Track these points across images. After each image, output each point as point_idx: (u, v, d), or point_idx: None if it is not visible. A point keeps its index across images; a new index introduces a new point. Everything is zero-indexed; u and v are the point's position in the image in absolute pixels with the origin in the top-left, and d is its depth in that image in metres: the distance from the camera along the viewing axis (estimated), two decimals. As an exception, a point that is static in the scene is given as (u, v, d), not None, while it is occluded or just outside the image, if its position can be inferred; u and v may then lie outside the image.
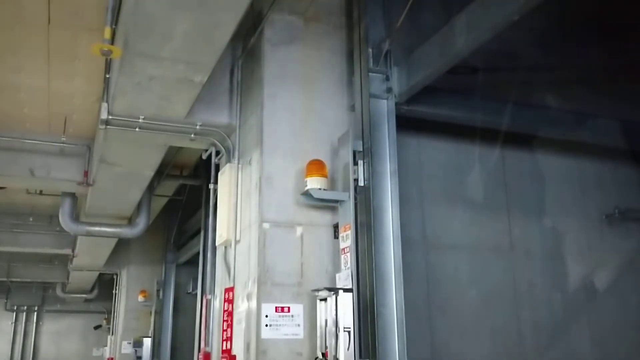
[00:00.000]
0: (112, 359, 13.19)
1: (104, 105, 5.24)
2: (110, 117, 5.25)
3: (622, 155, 6.04)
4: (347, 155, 4.52)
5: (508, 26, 3.76)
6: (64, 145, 7.41)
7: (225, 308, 5.06)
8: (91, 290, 17.37)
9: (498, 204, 5.49)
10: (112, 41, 4.00)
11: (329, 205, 4.59)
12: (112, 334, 14.10)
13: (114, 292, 14.25)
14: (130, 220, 9.53)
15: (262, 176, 4.66)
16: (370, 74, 4.71)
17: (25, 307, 19.24)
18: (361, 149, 4.51)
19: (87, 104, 6.71)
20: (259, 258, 4.48)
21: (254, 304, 4.45)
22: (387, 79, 4.75)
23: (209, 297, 5.89)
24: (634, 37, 5.33)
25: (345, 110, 4.98)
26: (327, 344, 4.10)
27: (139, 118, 5.30)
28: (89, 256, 12.12)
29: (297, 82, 4.94)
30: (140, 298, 11.96)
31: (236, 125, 5.43)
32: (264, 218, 4.56)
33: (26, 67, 6.01)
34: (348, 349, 3.98)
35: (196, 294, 9.15)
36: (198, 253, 8.48)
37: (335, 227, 4.62)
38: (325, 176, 4.54)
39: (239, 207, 5.08)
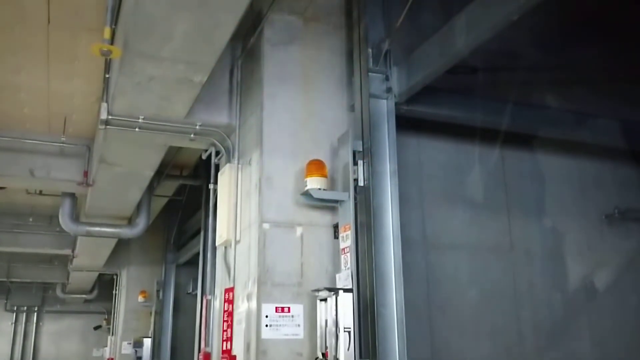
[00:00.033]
0: (112, 359, 13.18)
1: (104, 105, 5.24)
2: (110, 117, 5.25)
3: (622, 155, 6.03)
4: (346, 155, 4.51)
5: (508, 26, 3.76)
6: (64, 145, 7.40)
7: (226, 308, 5.05)
8: (91, 291, 17.34)
9: (498, 204, 5.49)
10: (112, 41, 4.00)
11: (329, 205, 4.59)
12: (112, 334, 14.07)
13: (114, 292, 14.23)
14: (130, 221, 9.52)
15: (262, 176, 4.66)
16: (370, 74, 4.71)
17: (25, 308, 19.19)
18: (361, 149, 4.51)
19: (86, 104, 6.71)
20: (259, 258, 4.47)
21: (254, 304, 4.44)
22: (387, 79, 4.75)
23: (209, 297, 5.89)
24: (634, 37, 5.33)
25: (345, 110, 4.98)
26: (327, 344, 4.10)
27: (138, 118, 5.30)
28: (89, 256, 12.10)
29: (296, 82, 4.94)
30: (140, 298, 11.94)
31: (236, 126, 5.42)
32: (264, 218, 4.56)
33: (26, 67, 6.02)
34: (348, 349, 3.98)
35: (196, 294, 9.14)
36: (198, 253, 8.46)
37: (335, 227, 4.61)
38: (325, 176, 4.53)
39: (239, 208, 5.08)
